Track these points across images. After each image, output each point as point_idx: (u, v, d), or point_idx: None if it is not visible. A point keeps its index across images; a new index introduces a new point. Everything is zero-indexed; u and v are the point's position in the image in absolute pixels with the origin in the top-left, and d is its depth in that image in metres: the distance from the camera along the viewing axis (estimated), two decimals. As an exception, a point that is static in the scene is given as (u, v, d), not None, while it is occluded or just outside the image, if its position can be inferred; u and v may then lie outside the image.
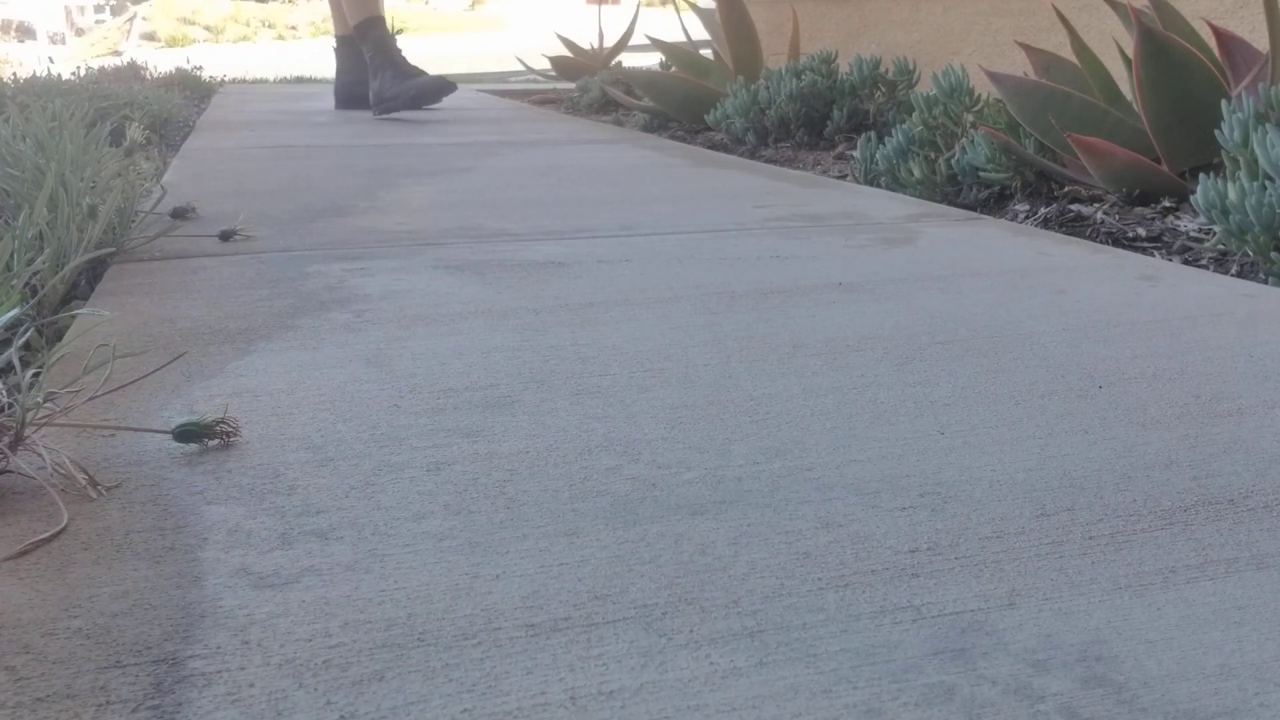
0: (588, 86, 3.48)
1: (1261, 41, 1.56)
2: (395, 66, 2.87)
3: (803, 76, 2.36)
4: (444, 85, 2.86)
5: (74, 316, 0.87)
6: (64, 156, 1.12)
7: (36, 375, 0.65)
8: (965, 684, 0.41)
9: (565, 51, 4.52)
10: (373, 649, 0.43)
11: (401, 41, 3.02)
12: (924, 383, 0.76)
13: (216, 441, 0.63)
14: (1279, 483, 0.60)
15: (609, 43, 4.49)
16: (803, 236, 1.29)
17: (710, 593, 0.48)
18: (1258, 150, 1.19)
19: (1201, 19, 1.61)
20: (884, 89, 2.35)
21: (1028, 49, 1.72)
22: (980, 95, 1.80)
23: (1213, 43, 1.47)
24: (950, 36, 2.77)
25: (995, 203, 1.65)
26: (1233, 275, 1.18)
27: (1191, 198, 1.25)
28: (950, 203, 1.65)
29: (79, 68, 3.41)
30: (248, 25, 13.99)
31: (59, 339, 0.87)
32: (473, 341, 0.85)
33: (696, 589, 0.48)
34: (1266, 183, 1.16)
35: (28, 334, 0.70)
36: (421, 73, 2.90)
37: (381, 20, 2.95)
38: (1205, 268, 1.21)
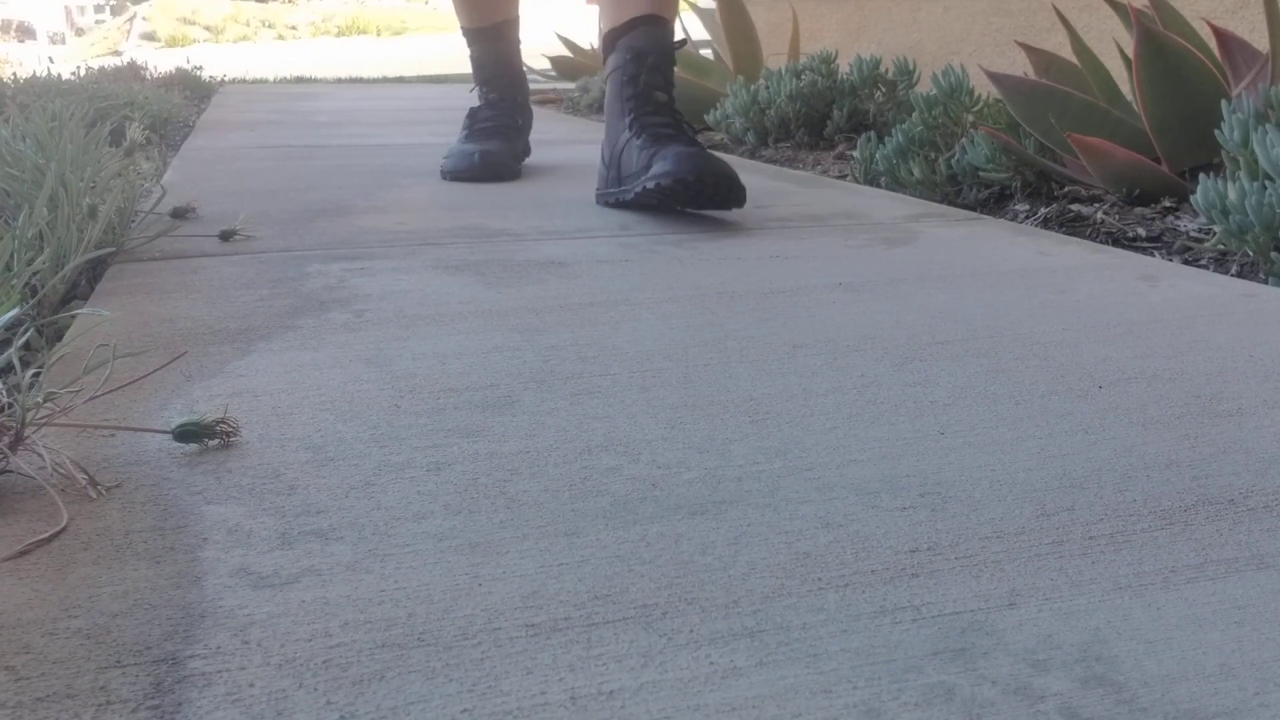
0: (588, 86, 3.48)
1: (1261, 41, 1.56)
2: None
3: (803, 76, 2.36)
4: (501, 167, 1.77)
5: (74, 316, 0.87)
6: (64, 156, 1.12)
7: (36, 375, 0.65)
8: (965, 684, 0.41)
9: (565, 51, 4.52)
10: (373, 649, 0.43)
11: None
12: (924, 383, 0.76)
13: (216, 441, 0.63)
14: (1279, 483, 0.60)
15: (609, 43, 4.48)
16: (803, 236, 1.29)
17: (710, 593, 0.48)
18: (1258, 150, 1.19)
19: (1201, 19, 1.61)
20: (884, 89, 2.35)
21: (1028, 49, 1.72)
22: (980, 95, 1.80)
23: (1213, 43, 1.47)
24: (950, 36, 2.77)
25: (995, 203, 1.65)
26: (1233, 275, 1.18)
27: (1191, 198, 1.25)
28: (950, 203, 1.65)
29: (79, 68, 3.41)
30: (248, 25, 13.99)
31: (59, 339, 0.87)
32: (473, 341, 0.85)
33: (696, 589, 0.48)
34: (1266, 183, 1.16)
35: (28, 334, 0.70)
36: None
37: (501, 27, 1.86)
38: (1205, 268, 1.21)
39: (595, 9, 5.23)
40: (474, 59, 1.89)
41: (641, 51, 1.45)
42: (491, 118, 1.85)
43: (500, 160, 1.75)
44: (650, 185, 1.31)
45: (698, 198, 1.30)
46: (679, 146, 1.35)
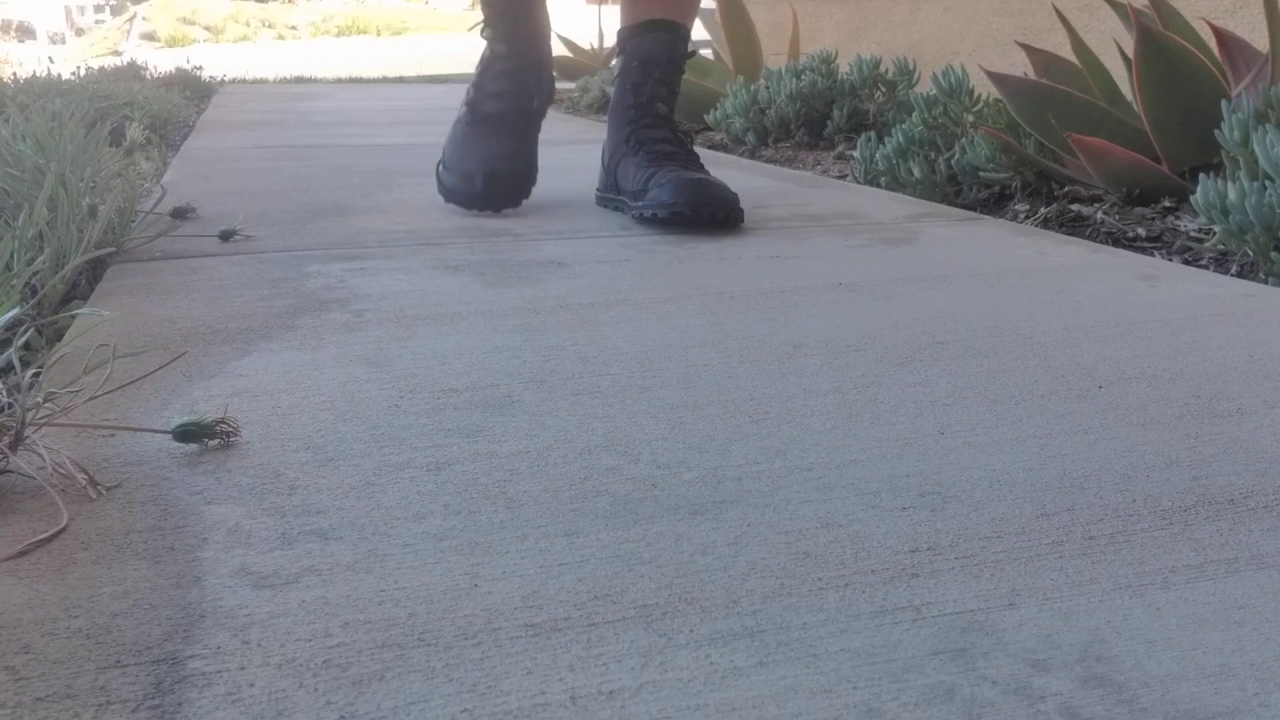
0: (588, 86, 3.48)
1: (1261, 41, 1.56)
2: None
3: (803, 76, 2.36)
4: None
5: (74, 316, 0.87)
6: (64, 156, 1.12)
7: (36, 375, 0.65)
8: (965, 684, 0.41)
9: (565, 51, 4.52)
10: (373, 649, 0.43)
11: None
12: (924, 383, 0.76)
13: (216, 441, 0.63)
14: (1279, 483, 0.60)
15: (609, 43, 4.49)
16: (803, 236, 1.29)
17: (710, 593, 0.48)
18: (1258, 150, 1.19)
19: (1201, 19, 1.61)
20: (884, 89, 2.35)
21: (1028, 49, 1.72)
22: (980, 95, 1.80)
23: (1213, 43, 1.47)
24: (950, 36, 2.77)
25: (995, 203, 1.65)
26: (1233, 275, 1.18)
27: (1191, 198, 1.25)
28: (950, 203, 1.65)
29: (79, 68, 3.41)
30: (248, 25, 13.98)
31: (59, 339, 0.87)
32: (473, 341, 0.85)
33: (696, 589, 0.48)
34: (1266, 183, 1.16)
35: (28, 334, 0.70)
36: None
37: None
38: (1205, 268, 1.21)
39: (595, 9, 5.24)
40: None
41: (649, 61, 1.42)
42: (501, 94, 1.47)
43: (505, 186, 1.44)
44: (646, 215, 1.33)
45: (694, 224, 1.32)
46: (675, 171, 1.34)
